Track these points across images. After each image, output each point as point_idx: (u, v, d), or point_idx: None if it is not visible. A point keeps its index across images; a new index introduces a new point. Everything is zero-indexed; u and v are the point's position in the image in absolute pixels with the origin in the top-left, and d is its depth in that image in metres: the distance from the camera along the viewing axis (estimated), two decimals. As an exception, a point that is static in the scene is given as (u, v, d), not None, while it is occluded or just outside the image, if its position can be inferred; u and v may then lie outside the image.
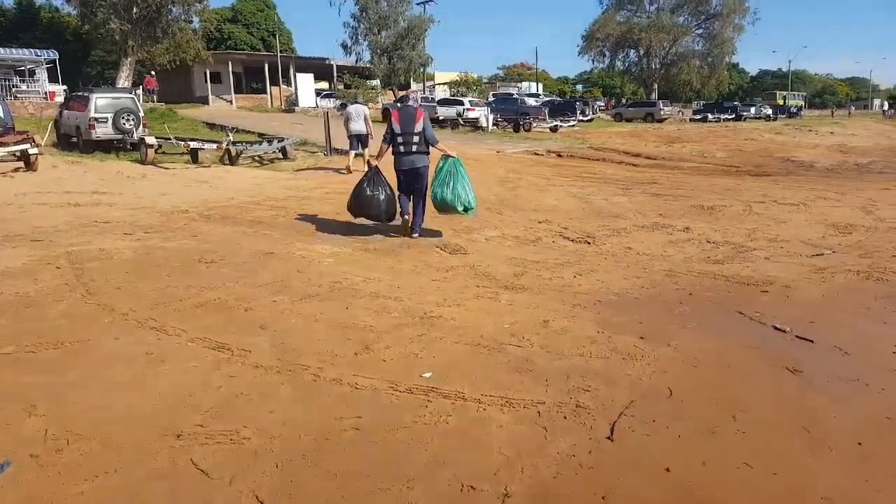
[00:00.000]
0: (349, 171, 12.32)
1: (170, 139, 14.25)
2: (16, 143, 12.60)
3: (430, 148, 6.68)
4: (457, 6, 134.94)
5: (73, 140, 16.62)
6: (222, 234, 6.84)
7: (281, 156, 15.36)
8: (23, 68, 25.41)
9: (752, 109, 43.47)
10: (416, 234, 6.81)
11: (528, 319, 4.25)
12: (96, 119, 15.41)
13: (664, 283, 5.16)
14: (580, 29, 67.72)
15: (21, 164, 12.34)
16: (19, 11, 36.56)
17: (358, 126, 12.53)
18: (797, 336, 3.92)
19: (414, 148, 6.56)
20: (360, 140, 12.62)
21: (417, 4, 38.60)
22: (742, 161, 16.64)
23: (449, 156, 6.72)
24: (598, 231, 7.27)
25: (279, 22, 46.35)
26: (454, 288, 5.01)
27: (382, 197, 6.79)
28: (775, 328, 4.07)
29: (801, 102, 60.56)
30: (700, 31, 51.12)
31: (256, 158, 15.28)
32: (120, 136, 15.51)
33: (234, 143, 14.88)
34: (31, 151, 12.23)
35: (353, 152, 12.69)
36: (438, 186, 6.63)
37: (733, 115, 40.29)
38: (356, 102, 14.22)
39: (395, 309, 4.44)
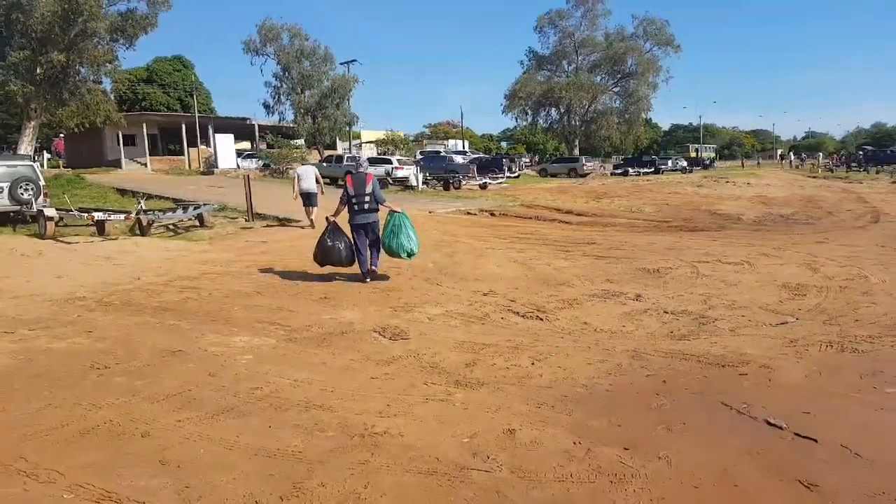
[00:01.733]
0: (312, 226, 13.30)
1: (71, 211, 12.93)
2: None
3: (379, 206, 7.90)
4: (381, 65, 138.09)
5: (-36, 213, 14.92)
6: (121, 328, 5.83)
7: (198, 224, 14.29)
8: None
9: (669, 162, 45.83)
10: (368, 280, 7.92)
11: (490, 428, 3.58)
12: (-10, 190, 13.88)
13: (632, 367, 4.64)
14: (503, 87, 70.43)
15: None
16: None
17: (307, 185, 13.79)
18: (797, 434, 3.43)
19: (366, 206, 7.82)
20: (308, 198, 13.78)
21: (341, 64, 38.74)
22: (671, 215, 16.96)
23: (395, 211, 7.94)
24: (548, 303, 6.76)
25: (197, 82, 45.28)
26: (398, 388, 4.29)
27: (342, 246, 7.96)
28: (769, 423, 3.58)
29: (714, 154, 64.71)
30: (617, 90, 54.12)
31: (171, 227, 14.13)
32: (17, 208, 14.01)
33: (145, 212, 13.72)
34: None
35: (309, 209, 13.82)
36: (387, 237, 7.87)
37: (653, 169, 42.19)
38: (305, 164, 16.34)
39: (329, 424, 3.66)
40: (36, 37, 21.11)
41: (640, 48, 51.82)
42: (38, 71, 21.89)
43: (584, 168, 40.21)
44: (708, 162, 53.86)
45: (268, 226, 14.63)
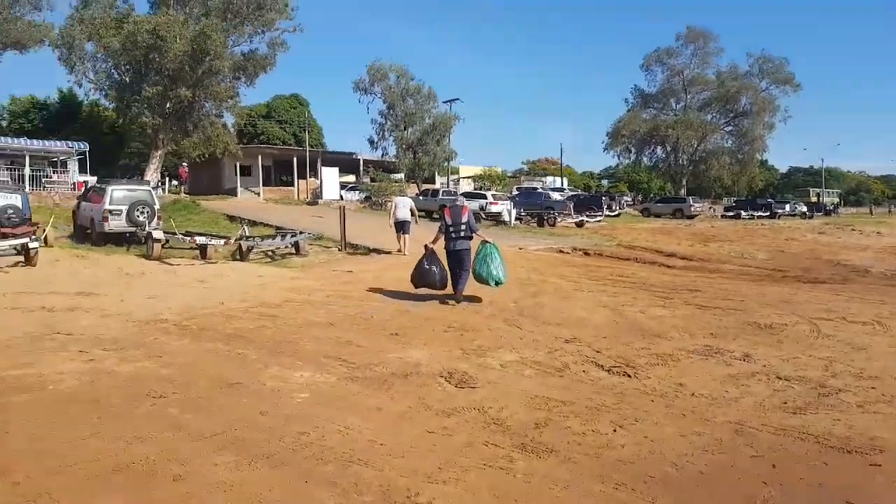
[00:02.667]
0: (402, 253, 14.38)
1: (176, 234, 13.71)
2: (16, 237, 12.17)
3: (473, 235, 8.78)
4: (482, 102, 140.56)
5: (88, 231, 16.33)
6: (190, 354, 5.81)
7: (294, 251, 14.70)
8: (55, 159, 26.02)
9: (787, 206, 42.38)
10: (452, 301, 8.62)
11: (554, 510, 3.02)
12: (110, 211, 15.10)
13: (735, 445, 3.89)
14: (605, 124, 68.92)
15: (22, 257, 11.84)
16: (61, 104, 38.33)
17: (403, 214, 14.82)
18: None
19: (461, 235, 8.70)
20: (402, 226, 14.77)
21: (444, 102, 39.53)
22: (787, 264, 15.34)
23: (487, 242, 8.77)
24: (639, 356, 6.04)
25: (310, 118, 47.91)
26: (455, 446, 3.82)
27: (437, 270, 8.80)
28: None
29: (837, 200, 59.38)
30: (729, 129, 51.33)
31: (269, 254, 14.62)
32: (133, 229, 15.12)
33: (245, 238, 14.30)
34: (30, 246, 11.73)
35: (401, 235, 14.74)
36: (478, 264, 8.63)
37: (768, 213, 39.18)
38: (402, 195, 17.88)
39: (369, 486, 3.25)
40: (168, 74, 23.20)
41: (755, 87, 49.09)
42: (168, 105, 24.00)
43: (692, 209, 37.99)
44: (831, 207, 49.39)
45: (358, 255, 14.80)
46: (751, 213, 39.03)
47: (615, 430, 4.13)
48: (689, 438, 3.99)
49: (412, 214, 15.02)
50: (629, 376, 5.41)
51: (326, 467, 3.48)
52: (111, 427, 3.99)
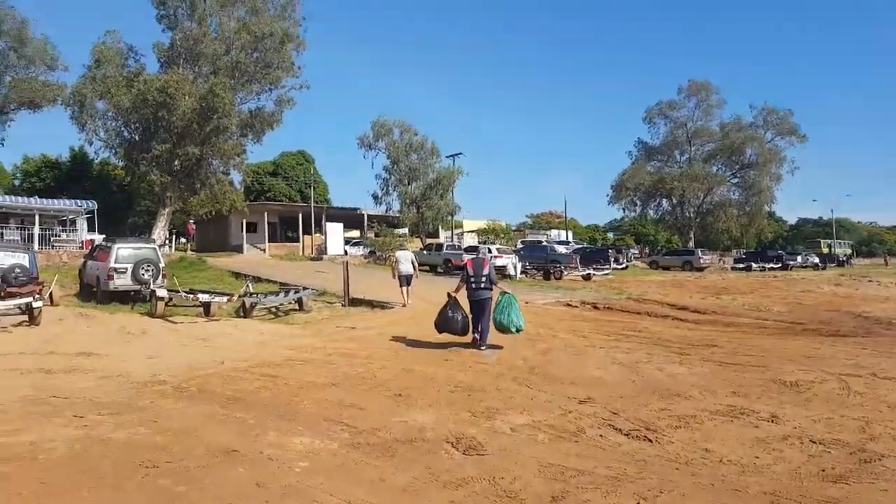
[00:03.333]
0: (404, 306, 14.62)
1: (179, 292, 13.56)
2: (21, 296, 12.04)
3: (493, 286, 9.36)
4: (485, 156, 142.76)
5: (94, 290, 16.23)
6: (187, 419, 5.51)
7: (297, 307, 14.48)
8: (65, 218, 26.24)
9: (799, 258, 41.98)
10: (483, 347, 9.17)
11: None
12: (115, 269, 15.03)
13: (773, 520, 3.53)
14: (610, 177, 69.44)
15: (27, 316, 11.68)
16: (72, 163, 39.02)
17: (405, 268, 15.14)
18: None
19: (482, 285, 9.27)
20: (406, 279, 15.05)
21: (447, 157, 40.01)
22: (806, 317, 14.91)
23: (506, 292, 9.42)
24: (659, 418, 5.68)
25: (316, 174, 48.58)
26: (465, 523, 3.48)
27: (460, 318, 9.31)
28: None
29: (850, 251, 58.82)
30: (736, 181, 51.45)
31: (272, 310, 14.40)
32: (138, 287, 15.01)
33: (249, 295, 14.13)
34: (34, 305, 11.60)
35: (404, 288, 14.97)
36: (498, 313, 9.18)
37: (779, 264, 38.80)
38: (403, 249, 18.38)
39: (370, 572, 2.92)
40: (176, 132, 23.61)
41: (760, 138, 49.51)
42: (176, 163, 24.31)
43: (701, 261, 37.68)
44: (844, 258, 48.90)
45: (362, 310, 14.55)
46: (762, 264, 38.66)
47: (639, 504, 3.78)
48: (722, 513, 3.64)
49: (413, 267, 15.38)
50: (650, 441, 5.05)
51: (323, 550, 3.15)
52: (100, 501, 3.69)
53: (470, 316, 9.40)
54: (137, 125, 24.85)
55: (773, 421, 5.54)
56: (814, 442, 4.94)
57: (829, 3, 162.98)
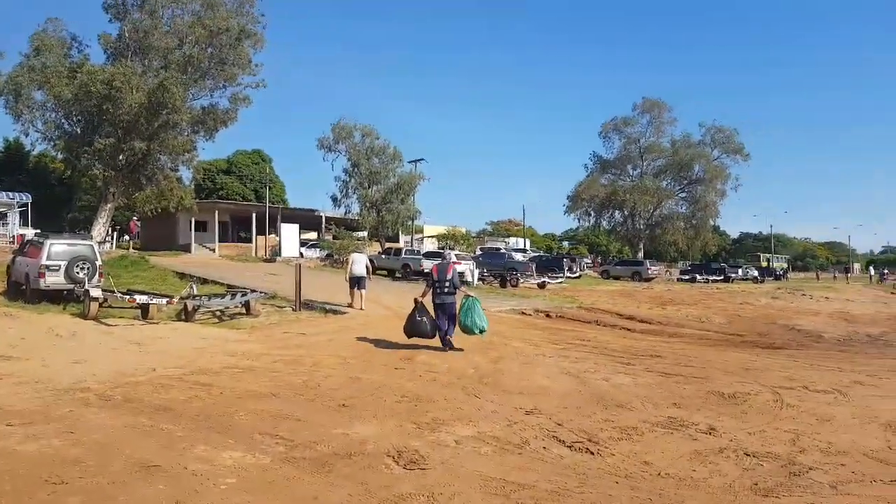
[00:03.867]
0: (355, 308, 14.68)
1: (115, 292, 12.93)
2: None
3: (456, 290, 9.86)
4: (447, 163, 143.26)
5: (22, 288, 15.34)
6: (107, 430, 5.18)
7: (244, 311, 14.03)
8: (-6, 211, 24.85)
9: (740, 271, 43.57)
10: (447, 349, 9.71)
11: None
12: (47, 267, 14.23)
13: (708, 537, 3.52)
14: (567, 188, 70.70)
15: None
16: (6, 154, 36.93)
17: (359, 269, 15.19)
18: None
19: (446, 289, 9.78)
20: (358, 281, 15.06)
21: (409, 162, 39.82)
22: (744, 328, 15.41)
23: (469, 296, 10.00)
24: (602, 430, 5.68)
25: (272, 174, 47.61)
26: (398, 544, 3.34)
27: (427, 320, 9.70)
28: None
29: (786, 265, 61.48)
30: (684, 195, 53.22)
31: (217, 314, 13.90)
32: (71, 286, 14.22)
33: (192, 297, 13.59)
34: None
35: (355, 291, 14.96)
36: (463, 315, 9.73)
37: (721, 277, 40.14)
38: (357, 251, 18.72)
39: None
40: (122, 126, 22.63)
41: (708, 155, 51.29)
42: (121, 157, 23.28)
43: (649, 272, 38.66)
44: (780, 272, 51.08)
45: (313, 315, 14.22)
46: (705, 276, 39.91)
47: (578, 521, 3.72)
48: (658, 529, 3.62)
49: (367, 271, 15.47)
50: (592, 453, 5.03)
51: (243, 576, 2.96)
52: (-9, 525, 3.39)
53: (436, 319, 9.82)
54: (79, 118, 23.68)
55: (710, 433, 5.61)
56: (748, 455, 5.00)
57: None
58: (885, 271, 56.94)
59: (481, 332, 9.75)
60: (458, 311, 9.78)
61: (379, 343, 10.44)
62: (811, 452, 5.12)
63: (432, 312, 9.80)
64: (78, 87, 21.79)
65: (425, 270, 26.61)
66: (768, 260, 58.12)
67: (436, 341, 9.81)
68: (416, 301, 9.85)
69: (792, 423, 6.07)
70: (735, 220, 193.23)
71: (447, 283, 9.78)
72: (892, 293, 32.83)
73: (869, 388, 7.83)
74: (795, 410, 6.57)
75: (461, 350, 9.67)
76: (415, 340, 9.84)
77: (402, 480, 4.32)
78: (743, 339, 13.45)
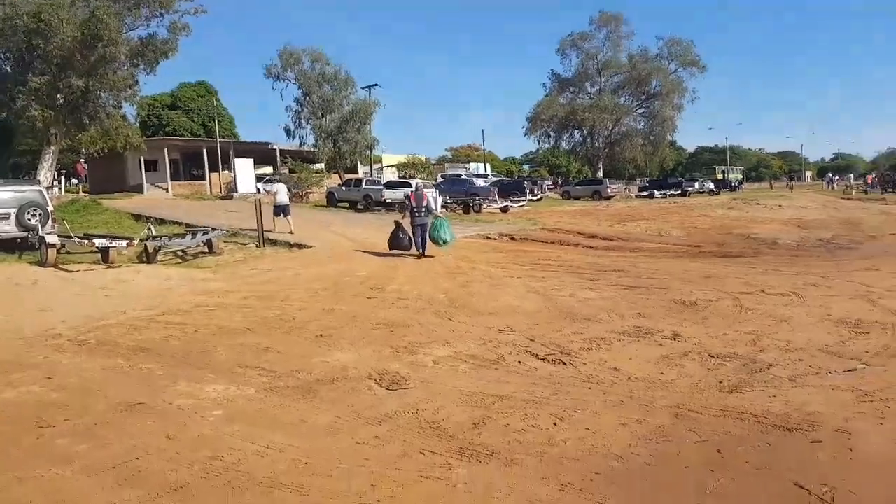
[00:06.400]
0: (285, 232, 15.68)
1: (72, 237, 12.50)
2: None
3: (430, 213, 12.56)
4: (403, 89, 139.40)
5: (-31, 239, 14.66)
6: (85, 374, 5.16)
7: (207, 250, 13.78)
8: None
9: (696, 184, 44.49)
10: (422, 256, 12.20)
11: (499, 523, 2.77)
12: (-5, 215, 13.57)
13: (677, 430, 3.79)
14: (525, 110, 70.02)
15: None
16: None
17: (282, 198, 16.69)
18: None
19: (423, 213, 12.34)
20: (284, 210, 16.44)
21: (362, 88, 38.56)
22: (702, 239, 15.96)
23: (438, 216, 12.96)
24: (572, 342, 5.93)
25: (220, 107, 45.53)
26: (389, 458, 3.50)
27: (405, 237, 12.57)
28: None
29: (741, 176, 63.07)
30: (641, 111, 53.18)
31: (179, 254, 13.63)
32: (24, 234, 13.65)
33: (152, 238, 13.25)
34: None
35: (280, 218, 16.27)
36: (433, 231, 12.21)
37: (679, 191, 41.02)
38: (280, 181, 21.34)
39: (294, 515, 2.89)
40: (56, 62, 21.11)
41: (665, 69, 50.96)
42: (59, 96, 21.83)
43: (609, 190, 39.17)
44: (735, 184, 52.40)
45: (278, 251, 14.09)
46: (663, 192, 40.69)
47: (555, 424, 3.95)
48: (631, 427, 3.87)
49: (289, 198, 17.27)
50: (564, 364, 5.27)
51: (244, 497, 3.08)
52: (-17, 469, 3.40)
53: (413, 235, 12.40)
54: (8, 55, 21.93)
55: (675, 339, 5.92)
56: (712, 356, 5.32)
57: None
58: (836, 177, 58.94)
59: (445, 242, 12.18)
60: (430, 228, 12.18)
61: (346, 274, 10.48)
62: (770, 351, 5.47)
63: (409, 231, 12.41)
64: (3, 21, 20.04)
65: (387, 200, 26.40)
66: (724, 172, 59.47)
67: (413, 252, 12.32)
68: (396, 223, 12.87)
69: (751, 325, 6.43)
70: (691, 134, 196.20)
71: (423, 209, 12.35)
72: (843, 198, 34.14)
73: (822, 290, 8.29)
74: (754, 313, 6.95)
75: (432, 257, 12.08)
76: (382, 269, 11.04)
77: (386, 400, 4.47)
78: (701, 249, 13.96)
